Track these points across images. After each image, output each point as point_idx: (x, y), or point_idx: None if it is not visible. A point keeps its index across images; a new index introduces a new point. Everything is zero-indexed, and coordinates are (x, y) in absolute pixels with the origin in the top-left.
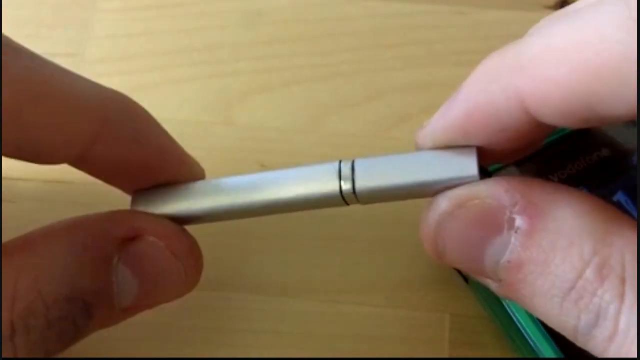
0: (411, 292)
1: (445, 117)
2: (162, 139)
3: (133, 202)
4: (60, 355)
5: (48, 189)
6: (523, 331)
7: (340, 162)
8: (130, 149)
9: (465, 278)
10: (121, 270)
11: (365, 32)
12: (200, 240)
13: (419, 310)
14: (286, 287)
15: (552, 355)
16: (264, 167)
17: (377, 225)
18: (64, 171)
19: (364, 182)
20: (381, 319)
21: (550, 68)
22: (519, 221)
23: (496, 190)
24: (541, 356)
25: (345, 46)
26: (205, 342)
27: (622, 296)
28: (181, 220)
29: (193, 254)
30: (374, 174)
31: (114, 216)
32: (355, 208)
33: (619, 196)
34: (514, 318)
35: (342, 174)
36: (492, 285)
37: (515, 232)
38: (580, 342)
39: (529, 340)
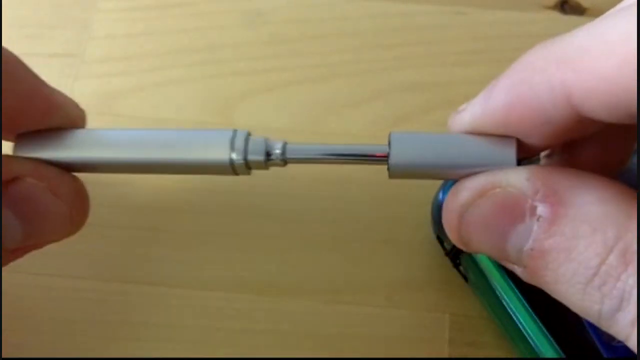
0: (411, 292)
1: (485, 106)
2: (28, 81)
3: (15, 147)
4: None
5: None
6: (523, 331)
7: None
8: None
9: (466, 278)
10: (3, 213)
11: (365, 32)
12: (200, 240)
13: (419, 310)
14: (286, 287)
15: (553, 355)
16: None
17: (377, 225)
18: None
19: (400, 157)
20: (381, 319)
21: (598, 61)
22: (541, 209)
23: (517, 179)
24: (541, 356)
25: (345, 46)
26: (205, 342)
27: None
28: (66, 166)
29: (77, 195)
30: (410, 148)
31: None
32: (356, 209)
33: None
34: (514, 318)
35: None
36: (518, 271)
37: (538, 220)
38: (604, 327)
39: (529, 340)
